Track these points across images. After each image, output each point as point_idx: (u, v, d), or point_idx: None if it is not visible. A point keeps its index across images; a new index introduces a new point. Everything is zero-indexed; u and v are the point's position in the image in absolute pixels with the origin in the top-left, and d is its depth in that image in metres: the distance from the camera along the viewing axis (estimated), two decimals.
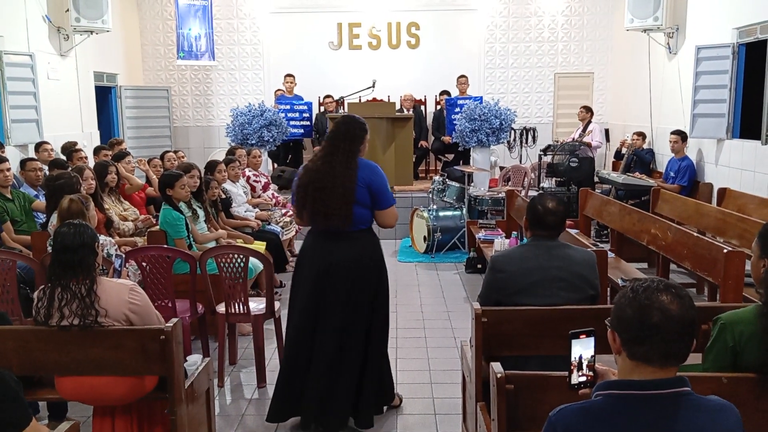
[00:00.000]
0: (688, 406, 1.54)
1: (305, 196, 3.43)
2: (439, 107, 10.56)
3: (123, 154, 6.61)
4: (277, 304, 4.41)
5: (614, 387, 1.59)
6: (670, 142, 7.64)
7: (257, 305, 4.36)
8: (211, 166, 6.25)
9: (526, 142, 9.86)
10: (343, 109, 9.81)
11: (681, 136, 7.55)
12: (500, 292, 3.02)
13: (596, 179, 8.77)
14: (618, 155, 9.27)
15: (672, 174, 7.62)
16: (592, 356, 1.85)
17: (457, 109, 9.44)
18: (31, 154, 6.94)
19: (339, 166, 3.38)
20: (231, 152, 7.16)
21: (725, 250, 3.75)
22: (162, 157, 7.22)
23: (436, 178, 8.07)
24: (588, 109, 9.79)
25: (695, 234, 4.42)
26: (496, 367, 2.36)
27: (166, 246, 4.63)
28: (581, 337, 1.83)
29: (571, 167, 8.33)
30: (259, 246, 5.57)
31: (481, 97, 9.71)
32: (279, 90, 10.43)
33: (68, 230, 2.84)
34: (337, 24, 11.08)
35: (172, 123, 10.90)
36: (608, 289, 4.58)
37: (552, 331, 2.80)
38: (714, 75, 7.29)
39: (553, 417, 1.61)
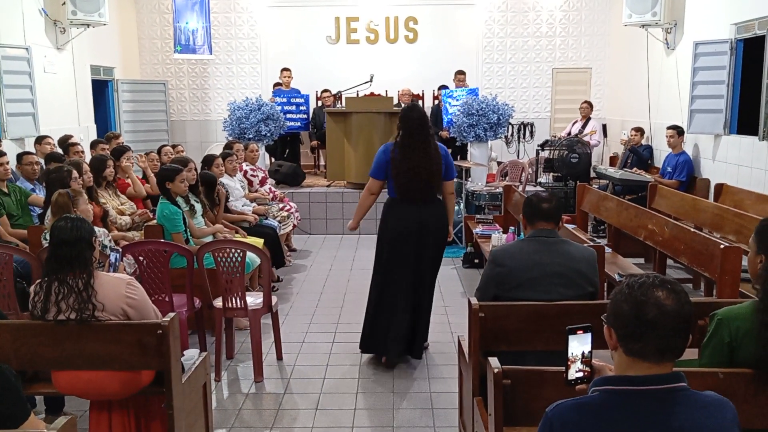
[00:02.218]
0: (684, 402, 1.55)
1: (412, 177, 4.26)
2: (436, 102, 10.55)
3: (123, 149, 6.54)
4: (274, 299, 4.42)
5: (610, 382, 1.60)
6: (667, 136, 7.65)
7: (254, 300, 4.37)
8: (208, 160, 6.23)
9: (524, 137, 9.87)
10: (341, 103, 9.79)
11: (677, 130, 7.56)
12: (499, 286, 3.03)
13: (593, 174, 8.78)
14: (611, 162, 9.27)
15: (669, 169, 7.63)
16: (589, 352, 1.85)
17: (453, 101, 9.41)
18: (28, 147, 6.92)
19: (431, 150, 4.31)
20: (228, 146, 7.14)
21: (722, 246, 3.76)
22: (159, 151, 7.20)
23: None
24: (590, 105, 9.85)
25: (692, 229, 4.42)
26: (493, 362, 2.36)
27: (163, 240, 4.63)
28: (578, 332, 1.83)
29: (572, 163, 8.33)
30: (257, 242, 5.57)
31: (477, 89, 9.69)
32: (277, 84, 10.40)
33: (65, 224, 2.83)
34: (335, 18, 11.05)
35: (169, 117, 10.87)
36: (605, 284, 4.58)
37: (549, 326, 2.80)
38: (712, 71, 7.29)
39: (550, 412, 1.61)
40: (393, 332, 4.36)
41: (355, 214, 4.65)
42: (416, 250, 4.34)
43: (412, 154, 4.25)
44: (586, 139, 9.05)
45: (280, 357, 4.56)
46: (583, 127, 9.64)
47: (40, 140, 6.79)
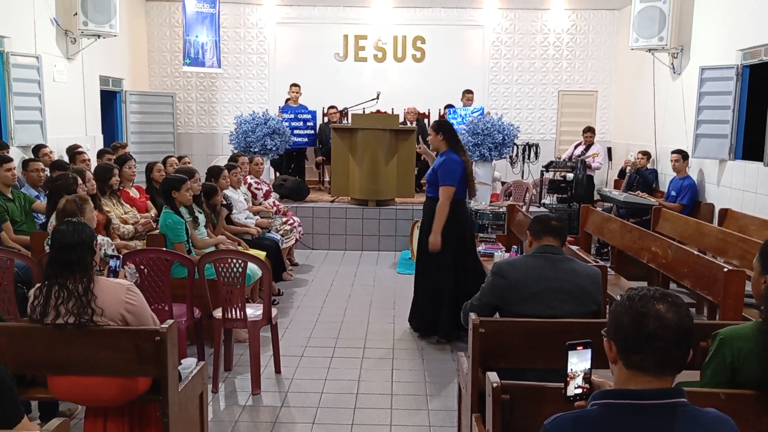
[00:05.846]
0: (684, 417, 1.53)
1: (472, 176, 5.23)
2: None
3: (126, 158, 6.58)
4: (274, 311, 4.40)
5: (609, 396, 1.58)
6: (672, 161, 7.66)
7: (254, 311, 4.35)
8: (214, 171, 6.24)
9: (529, 158, 9.89)
10: (347, 120, 9.82)
11: (682, 155, 7.57)
12: (500, 298, 3.02)
13: (597, 197, 8.77)
14: (621, 174, 9.24)
15: (673, 193, 7.62)
16: (588, 368, 1.83)
17: (459, 119, 9.44)
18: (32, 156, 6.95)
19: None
20: (233, 159, 7.16)
21: (725, 269, 3.74)
22: (164, 162, 7.22)
23: None
24: (593, 131, 9.64)
25: (696, 253, 4.40)
26: (492, 376, 2.33)
27: (164, 249, 4.62)
28: (578, 348, 1.82)
29: (584, 183, 8.40)
30: (259, 254, 5.56)
31: (482, 108, 9.71)
32: (289, 99, 10.44)
33: (67, 228, 2.83)
34: (344, 36, 11.14)
35: (176, 129, 10.92)
36: (607, 305, 4.55)
37: (550, 343, 2.78)
38: (717, 96, 7.31)
39: (548, 425, 1.59)
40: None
41: (438, 224, 5.00)
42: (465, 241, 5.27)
43: (467, 157, 5.28)
44: (588, 161, 9.05)
45: (278, 370, 4.53)
46: (586, 149, 9.60)
47: (36, 152, 6.78)
